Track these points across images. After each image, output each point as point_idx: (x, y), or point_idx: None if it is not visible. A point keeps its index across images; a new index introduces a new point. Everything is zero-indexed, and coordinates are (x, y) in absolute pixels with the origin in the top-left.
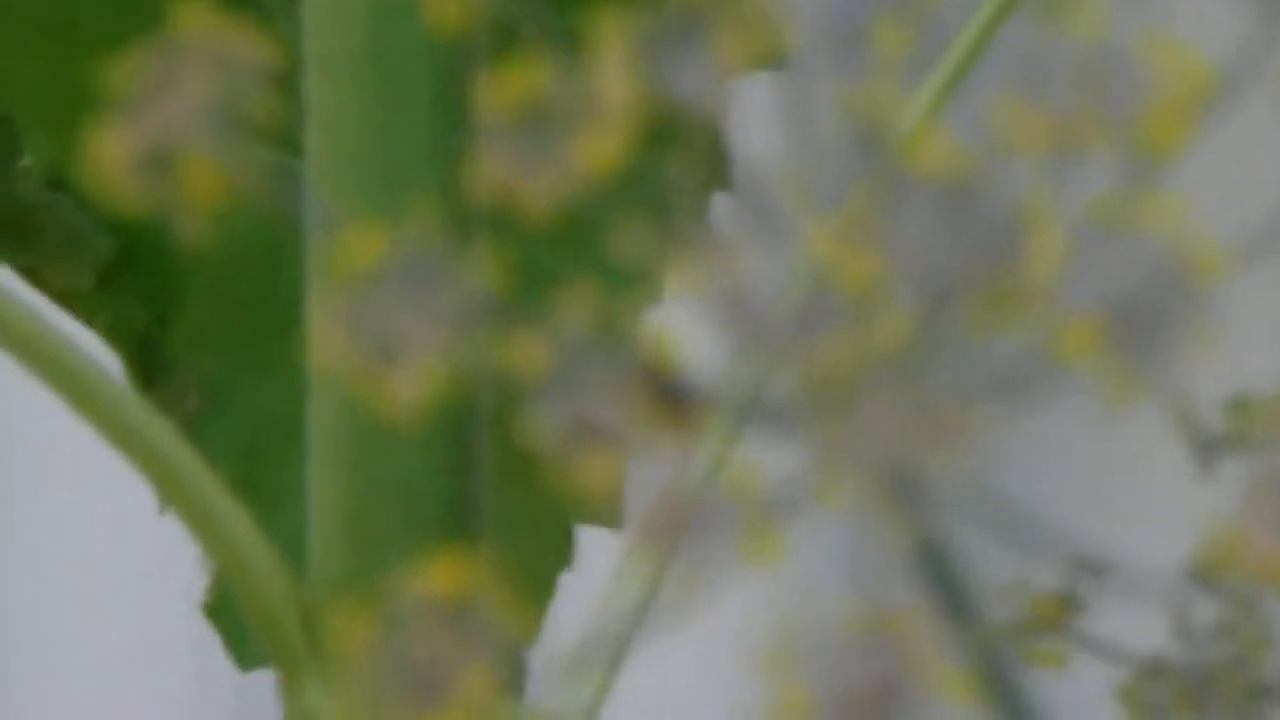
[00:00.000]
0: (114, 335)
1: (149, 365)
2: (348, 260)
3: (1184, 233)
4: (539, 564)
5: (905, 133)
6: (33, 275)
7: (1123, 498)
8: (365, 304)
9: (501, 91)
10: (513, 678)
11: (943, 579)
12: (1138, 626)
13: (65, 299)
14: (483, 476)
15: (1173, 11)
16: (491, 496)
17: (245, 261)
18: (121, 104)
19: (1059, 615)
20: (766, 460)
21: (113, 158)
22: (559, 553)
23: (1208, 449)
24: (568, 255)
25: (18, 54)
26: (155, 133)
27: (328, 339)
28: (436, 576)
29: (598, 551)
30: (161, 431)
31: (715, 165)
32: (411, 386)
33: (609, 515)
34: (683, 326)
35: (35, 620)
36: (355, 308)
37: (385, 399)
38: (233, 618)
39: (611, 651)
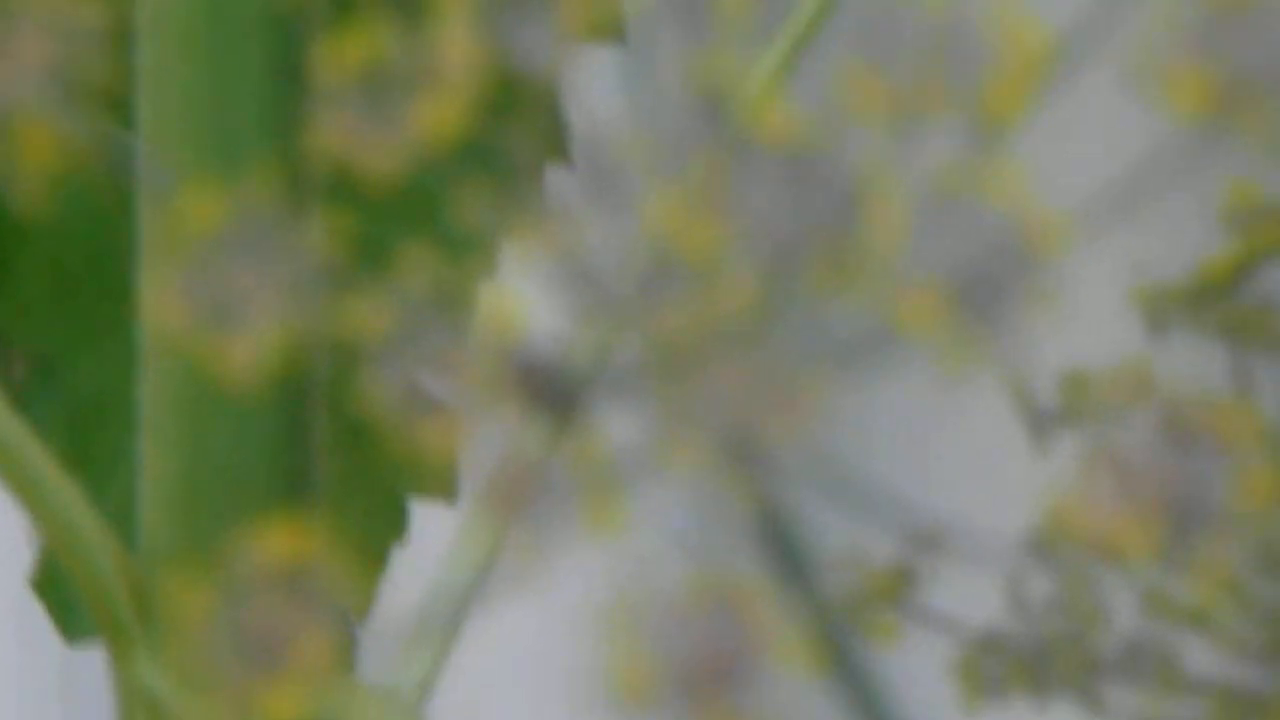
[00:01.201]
0: None
1: None
2: (181, 226)
3: (1026, 203)
4: (372, 536)
5: (748, 99)
6: None
7: (960, 469)
8: (199, 270)
9: (339, 55)
10: (345, 650)
11: (783, 548)
12: (973, 599)
13: None
14: (316, 447)
15: None
16: (325, 468)
17: (75, 232)
18: None
19: (895, 587)
20: (608, 428)
21: None
22: (392, 525)
23: (1043, 422)
24: (406, 222)
25: None
26: None
27: (161, 306)
28: (270, 544)
29: (432, 525)
30: None
31: (555, 132)
32: (247, 353)
33: (445, 488)
34: (524, 294)
35: None
36: (189, 274)
37: (220, 366)
38: (60, 591)
39: (447, 624)
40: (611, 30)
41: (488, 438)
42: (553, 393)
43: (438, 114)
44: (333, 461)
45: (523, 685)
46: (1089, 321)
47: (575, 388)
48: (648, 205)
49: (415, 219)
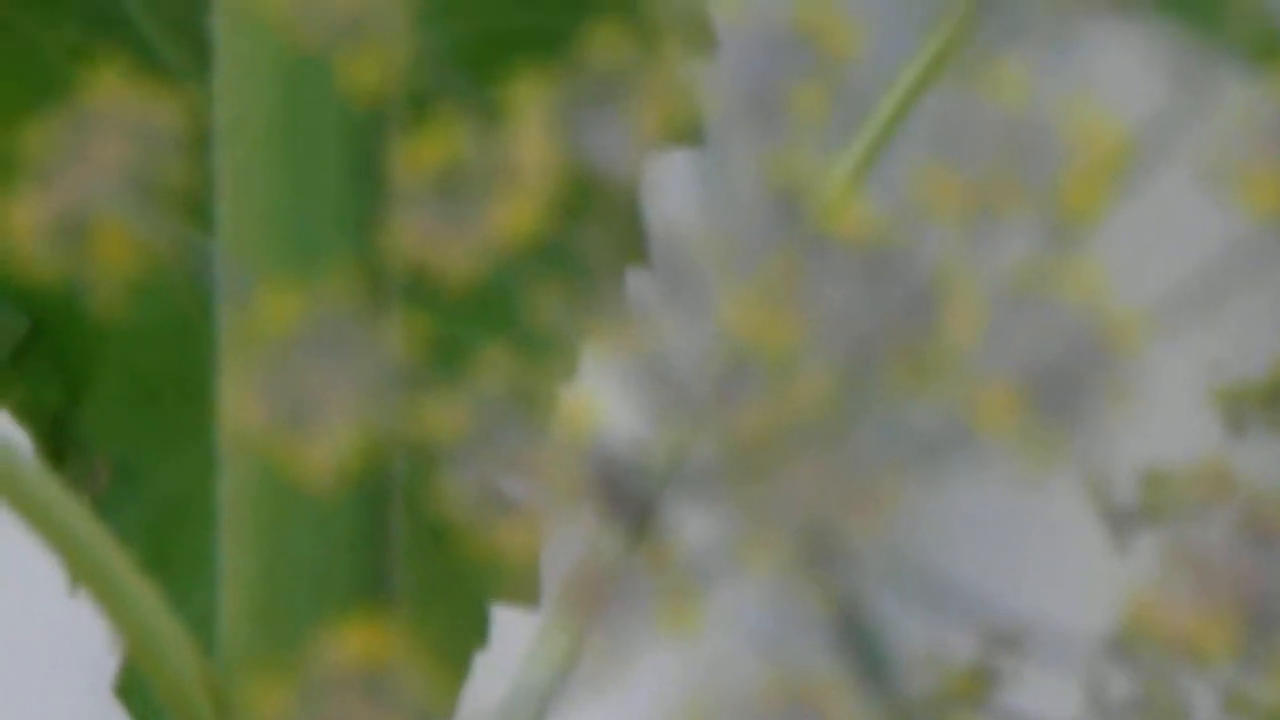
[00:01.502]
0: (25, 413)
1: (60, 443)
2: (260, 328)
3: (1102, 301)
4: (454, 639)
5: (825, 199)
6: None
7: (1039, 569)
8: (278, 372)
9: (417, 157)
10: None
11: (861, 648)
12: (1054, 699)
13: None
14: (396, 549)
15: (1093, 79)
16: (405, 570)
17: (155, 338)
18: (33, 172)
19: (975, 687)
20: (685, 528)
21: (24, 226)
22: (473, 629)
23: (1122, 521)
24: (483, 323)
25: None
26: (67, 200)
27: (240, 408)
28: (348, 646)
29: (514, 630)
30: (72, 509)
31: (633, 233)
32: (325, 454)
33: (525, 591)
34: (603, 396)
35: None
36: (268, 376)
37: (299, 467)
38: (143, 697)
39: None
40: (689, 133)
41: (567, 541)
42: (630, 497)
43: (514, 215)
44: (413, 564)
45: None
46: (1167, 420)
47: (652, 491)
48: (724, 305)
49: (493, 320)
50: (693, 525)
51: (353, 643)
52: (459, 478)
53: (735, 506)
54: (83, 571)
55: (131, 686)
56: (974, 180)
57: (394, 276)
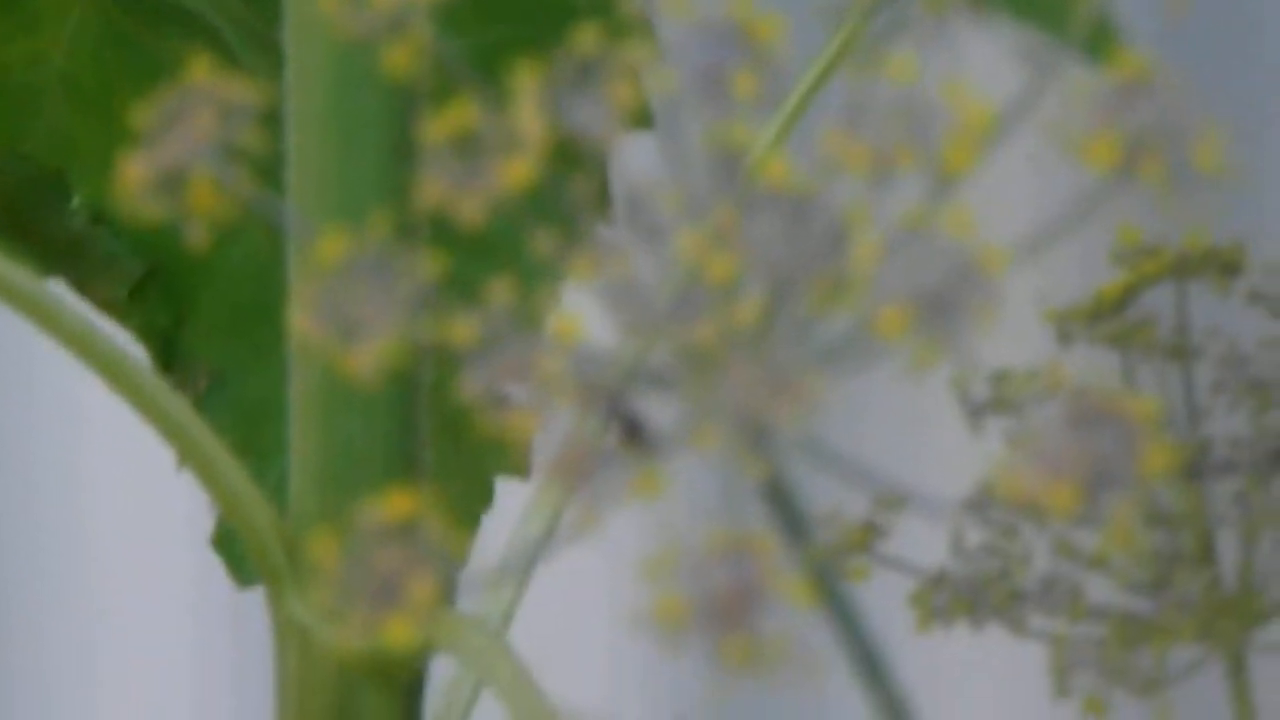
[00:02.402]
0: (142, 334)
1: (169, 356)
2: (319, 262)
3: (972, 238)
4: (466, 504)
5: (756, 158)
6: (82, 289)
7: (916, 447)
8: (332, 296)
9: (439, 127)
10: (447, 590)
11: (784, 509)
12: (925, 547)
13: (106, 307)
14: (423, 435)
15: (964, 63)
16: (430, 451)
17: (241, 276)
18: (142, 138)
19: (865, 539)
20: (650, 415)
21: (135, 179)
22: (480, 495)
23: (979, 410)
24: (490, 257)
25: (69, 123)
26: (168, 160)
27: (304, 325)
28: (389, 506)
29: (511, 495)
30: (179, 406)
31: (607, 184)
32: (369, 358)
33: (519, 467)
34: (583, 314)
35: (82, 553)
36: (324, 299)
37: (349, 369)
38: (232, 547)
39: (522, 570)
40: (640, 118)
41: (554, 426)
42: (604, 392)
43: (515, 171)
44: (435, 446)
45: (584, 619)
46: (1014, 333)
47: (621, 388)
48: (678, 242)
49: (497, 255)
50: (653, 414)
51: (390, 504)
52: (471, 378)
53: (687, 399)
54: (187, 453)
55: (224, 539)
56: (873, 143)
57: (422, 219)
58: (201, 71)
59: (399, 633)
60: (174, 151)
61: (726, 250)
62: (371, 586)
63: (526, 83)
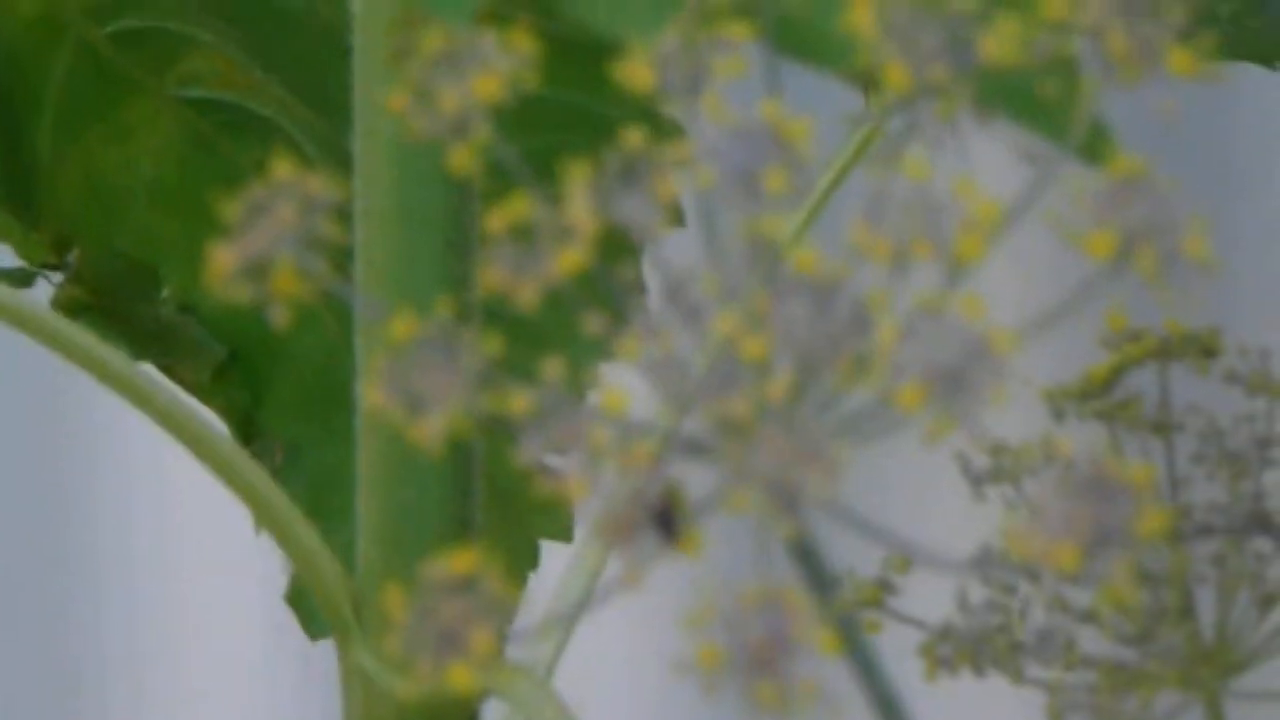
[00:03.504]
0: (224, 412)
1: (248, 431)
2: (389, 341)
3: (980, 321)
4: (514, 563)
5: (786, 247)
6: (170, 371)
7: (924, 510)
8: (398, 374)
9: (498, 220)
10: (499, 642)
11: (812, 566)
12: (933, 603)
13: (192, 388)
14: (477, 500)
15: (972, 162)
16: (483, 516)
17: (313, 359)
18: (229, 229)
19: (879, 595)
20: (688, 480)
21: (223, 267)
22: (528, 556)
23: (979, 478)
24: (543, 337)
25: (158, 222)
26: (254, 249)
27: (373, 400)
28: (452, 562)
29: (554, 558)
30: (257, 475)
31: (640, 272)
32: (434, 429)
33: (563, 530)
34: (629, 385)
35: (174, 606)
36: (394, 374)
37: (415, 438)
38: (305, 603)
39: (565, 623)
40: (674, 216)
41: (600, 492)
42: (648, 462)
43: (567, 258)
44: (488, 510)
45: (628, 668)
46: (1010, 409)
47: (663, 455)
48: (716, 322)
49: (551, 334)
50: (693, 480)
51: (453, 560)
52: (525, 447)
53: (723, 465)
54: (264, 518)
55: (297, 596)
56: (892, 234)
57: (479, 305)
58: (284, 169)
59: (461, 679)
60: (259, 241)
61: (759, 331)
62: (436, 636)
63: (577, 179)
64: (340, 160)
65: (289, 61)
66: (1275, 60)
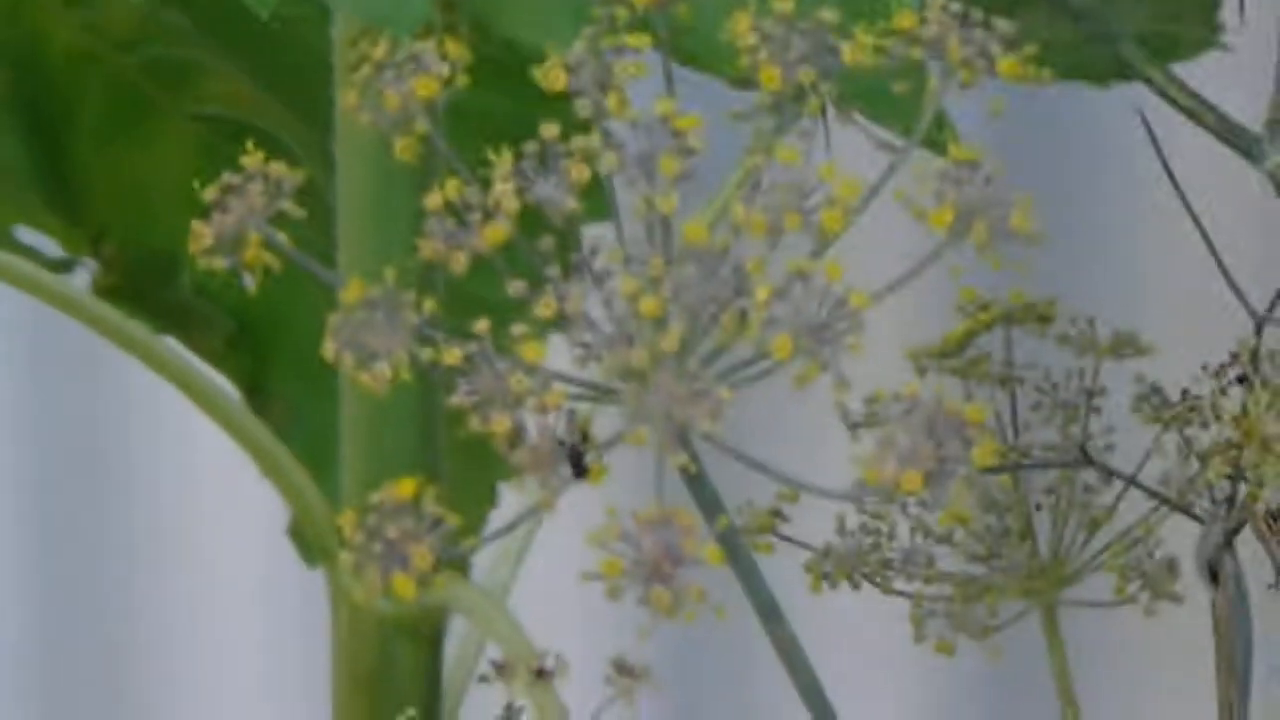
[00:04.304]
0: (235, 376)
1: (255, 393)
2: (342, 304)
3: (843, 284)
4: (476, 504)
5: (680, 221)
6: (188, 342)
7: (808, 448)
8: (350, 329)
9: (436, 199)
10: (462, 567)
11: (701, 491)
12: (816, 526)
13: (207, 356)
14: (440, 449)
15: (836, 151)
16: (447, 463)
17: (308, 333)
18: (208, 207)
19: (771, 523)
20: (596, 419)
21: (201, 240)
22: (487, 497)
23: (855, 424)
24: (476, 300)
25: (177, 218)
26: (227, 225)
27: (330, 352)
28: (396, 490)
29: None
30: (260, 431)
31: (567, 242)
32: (380, 377)
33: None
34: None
35: (192, 539)
36: (344, 332)
37: (367, 387)
38: (301, 536)
39: (518, 551)
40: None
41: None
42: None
43: (494, 233)
44: (453, 461)
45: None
46: (880, 363)
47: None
48: (622, 286)
49: (482, 298)
50: (599, 419)
51: (397, 488)
52: (459, 392)
53: (625, 407)
54: (267, 467)
55: (295, 530)
56: (767, 210)
57: (420, 273)
58: (253, 157)
59: (404, 589)
60: (232, 219)
61: (655, 292)
62: (382, 552)
63: (502, 165)
64: (326, 162)
65: (283, 79)
66: (1106, 80)
